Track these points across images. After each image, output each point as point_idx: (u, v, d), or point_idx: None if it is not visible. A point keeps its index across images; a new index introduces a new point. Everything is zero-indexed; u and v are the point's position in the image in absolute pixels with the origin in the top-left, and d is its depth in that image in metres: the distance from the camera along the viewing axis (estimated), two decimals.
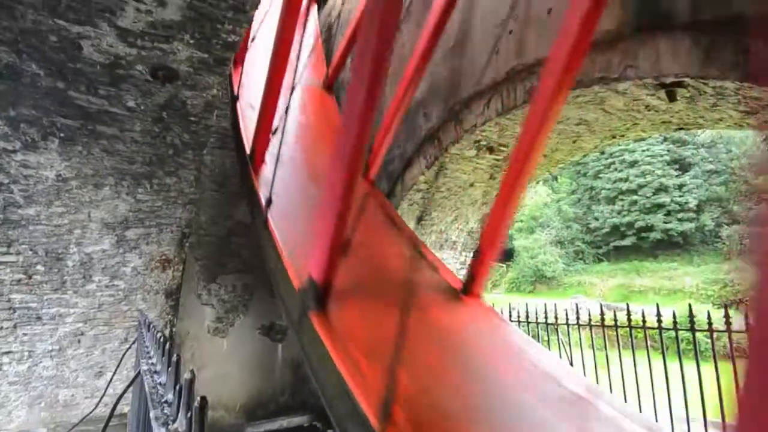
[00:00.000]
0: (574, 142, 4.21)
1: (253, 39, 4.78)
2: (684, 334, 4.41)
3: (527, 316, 5.97)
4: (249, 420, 6.10)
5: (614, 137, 4.15)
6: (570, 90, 3.13)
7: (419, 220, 4.81)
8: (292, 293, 2.43)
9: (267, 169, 3.50)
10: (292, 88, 3.41)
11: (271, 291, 6.50)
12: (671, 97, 2.84)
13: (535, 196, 31.45)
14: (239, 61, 4.76)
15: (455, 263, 5.42)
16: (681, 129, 3.80)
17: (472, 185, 4.70)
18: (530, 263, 27.06)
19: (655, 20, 2.48)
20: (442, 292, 2.71)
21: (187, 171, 4.95)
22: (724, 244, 24.63)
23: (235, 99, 4.34)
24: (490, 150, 4.14)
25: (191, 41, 3.76)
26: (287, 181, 3.44)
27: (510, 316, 6.45)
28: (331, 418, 2.07)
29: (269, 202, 3.05)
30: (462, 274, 5.60)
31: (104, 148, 4.60)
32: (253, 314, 6.56)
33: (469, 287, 2.68)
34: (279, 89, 3.43)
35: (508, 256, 30.02)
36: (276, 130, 3.48)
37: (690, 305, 4.15)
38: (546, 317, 5.53)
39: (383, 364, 1.77)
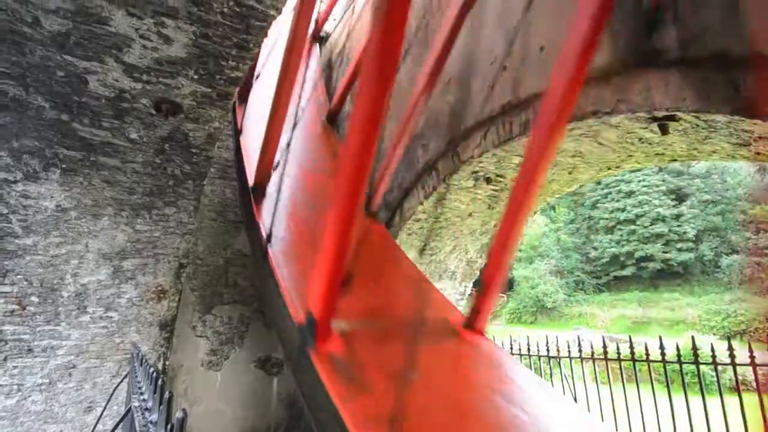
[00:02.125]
0: (570, 173, 4.27)
1: (257, 76, 4.91)
2: (688, 367, 4.33)
3: (528, 349, 5.86)
4: None
5: (609, 168, 4.21)
6: (567, 123, 3.21)
7: (421, 251, 4.81)
8: (291, 329, 2.38)
9: (268, 203, 3.52)
10: (295, 123, 3.46)
11: (268, 323, 6.41)
12: (664, 131, 2.90)
13: (533, 226, 31.51)
14: (244, 97, 4.88)
15: (454, 293, 5.37)
16: (675, 160, 3.86)
17: (470, 215, 4.72)
18: (530, 293, 26.81)
19: (645, 56, 2.57)
20: (444, 329, 2.62)
21: (186, 201, 4.97)
22: (724, 274, 24.53)
23: (238, 133, 4.42)
24: (488, 180, 4.19)
25: (195, 76, 3.86)
26: (288, 216, 3.44)
27: (511, 348, 6.33)
28: None
29: (269, 236, 3.03)
30: (461, 304, 5.54)
31: (105, 179, 4.64)
32: (248, 347, 6.43)
33: (472, 322, 2.60)
34: (282, 124, 3.49)
35: (508, 286, 29.79)
36: (278, 164, 3.52)
37: (693, 337, 4.09)
38: (548, 350, 5.43)
39: (387, 406, 1.73)
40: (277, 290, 2.69)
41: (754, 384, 3.37)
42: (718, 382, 3.71)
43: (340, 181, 2.02)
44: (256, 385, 6.36)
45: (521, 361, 5.64)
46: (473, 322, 2.60)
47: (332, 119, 5.00)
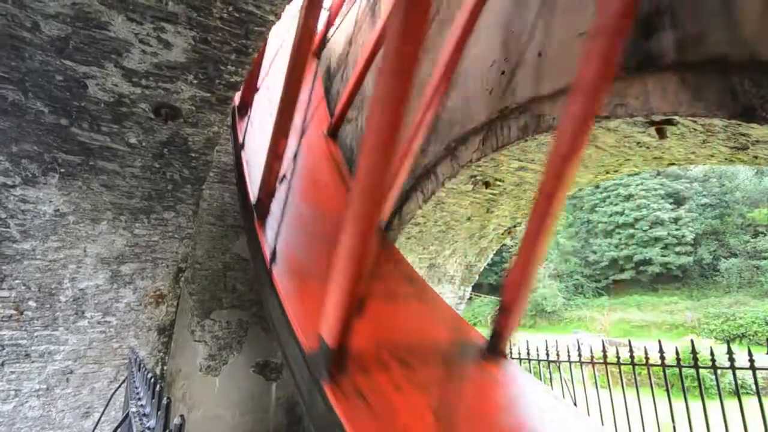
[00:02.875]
0: None
1: (257, 90, 4.87)
2: (688, 371, 4.32)
3: (528, 353, 5.85)
4: None
5: (608, 172, 4.22)
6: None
7: (421, 255, 4.81)
8: (302, 359, 2.18)
9: (272, 220, 3.39)
10: (299, 139, 3.36)
11: (267, 328, 6.39)
12: (661, 135, 2.91)
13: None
14: (244, 112, 4.85)
15: (453, 297, 5.36)
16: (673, 164, 3.87)
17: (469, 219, 4.72)
18: (530, 297, 26.72)
19: (643, 61, 2.58)
20: (467, 354, 2.50)
21: (185, 205, 4.97)
22: (723, 277, 24.55)
23: (239, 148, 4.37)
24: (486, 185, 4.19)
25: (194, 81, 3.87)
26: (293, 234, 3.32)
27: (510, 352, 6.32)
28: None
29: (274, 256, 2.87)
30: (460, 308, 5.53)
31: (104, 183, 4.63)
32: (247, 352, 6.40)
33: (495, 345, 2.46)
34: (286, 139, 3.36)
35: None
36: (283, 179, 3.42)
37: (692, 341, 4.08)
38: (547, 354, 5.42)
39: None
40: (283, 315, 2.49)
41: (753, 387, 3.36)
42: (717, 385, 3.70)
43: (354, 200, 1.84)
44: (254, 390, 6.33)
45: (521, 364, 5.62)
46: (496, 344, 2.48)
47: (335, 131, 4.99)
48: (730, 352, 3.60)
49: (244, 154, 4.22)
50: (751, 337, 18.16)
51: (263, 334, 6.48)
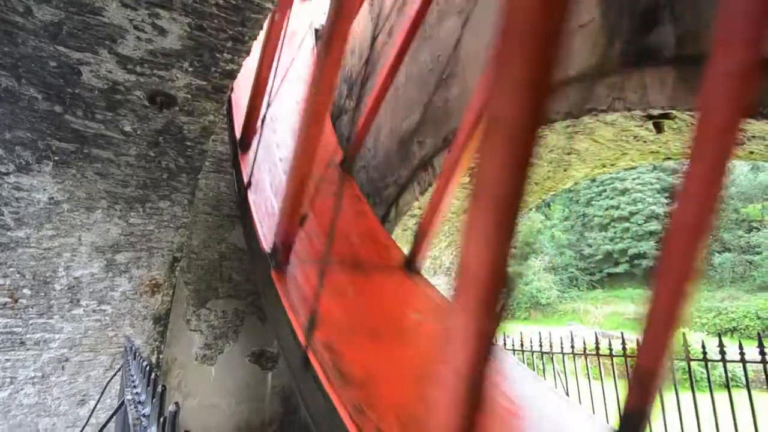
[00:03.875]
0: (565, 170, 4.28)
1: (264, 120, 4.09)
2: (680, 364, 4.38)
3: (522, 344, 5.90)
4: None
5: (604, 166, 4.23)
6: (562, 120, 3.20)
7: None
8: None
9: (298, 275, 2.78)
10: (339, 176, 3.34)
11: (263, 317, 6.41)
12: (659, 129, 2.92)
13: (528, 223, 31.61)
14: (247, 146, 4.12)
15: (449, 288, 5.39)
16: (670, 158, 3.88)
17: (465, 211, 4.73)
18: (525, 290, 26.97)
19: (642, 54, 2.57)
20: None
21: (180, 195, 4.94)
22: (716, 272, 24.78)
23: (246, 188, 3.60)
24: None
25: (190, 69, 3.83)
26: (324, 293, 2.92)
27: (504, 344, 6.38)
28: None
29: (311, 325, 2.11)
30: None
31: (98, 172, 4.60)
32: (243, 341, 6.43)
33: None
34: (304, 186, 2.59)
35: None
36: (303, 220, 2.79)
37: (684, 334, 4.13)
38: (540, 345, 5.48)
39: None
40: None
41: (744, 380, 3.41)
42: (708, 378, 3.76)
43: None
44: (250, 379, 6.36)
45: (514, 355, 5.67)
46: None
47: (350, 165, 4.23)
48: (721, 345, 3.65)
49: (251, 195, 3.53)
50: (743, 331, 18.39)
51: (259, 324, 6.50)
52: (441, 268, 5.20)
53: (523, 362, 5.78)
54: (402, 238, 4.77)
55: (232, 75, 3.89)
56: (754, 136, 2.41)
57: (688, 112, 2.41)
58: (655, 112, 2.66)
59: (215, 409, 5.99)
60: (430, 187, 4.24)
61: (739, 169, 27.23)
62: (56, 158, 4.35)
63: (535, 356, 5.75)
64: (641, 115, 2.84)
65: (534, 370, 5.59)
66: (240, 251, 6.40)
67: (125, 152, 4.54)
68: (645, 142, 3.40)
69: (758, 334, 3.90)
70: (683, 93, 2.33)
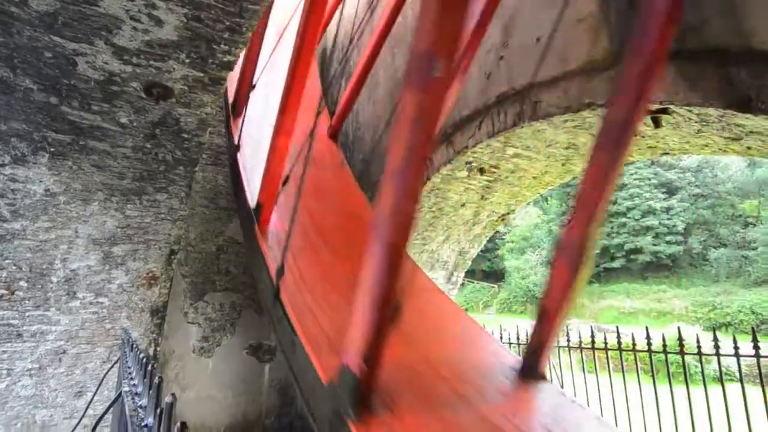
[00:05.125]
0: (563, 165, 4.29)
1: (253, 87, 4.49)
2: (674, 358, 4.41)
3: (518, 338, 5.94)
4: None
5: None
6: (563, 113, 3.18)
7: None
8: (321, 391, 1.87)
9: (276, 229, 3.12)
10: (311, 139, 2.82)
11: (260, 310, 6.42)
12: (657, 124, 2.92)
13: (526, 217, 31.69)
14: (239, 110, 4.52)
15: (446, 283, 5.40)
16: (667, 154, 3.88)
17: (463, 205, 4.73)
18: (521, 284, 27.09)
19: None
20: (503, 378, 2.15)
21: (178, 187, 4.92)
22: (712, 266, 24.92)
23: (236, 149, 3.99)
24: (482, 171, 4.19)
25: (187, 60, 3.79)
26: (300, 243, 2.98)
27: (501, 337, 6.42)
28: None
29: (281, 271, 2.49)
30: (453, 293, 5.58)
31: (94, 164, 4.57)
32: (240, 334, 6.44)
33: (532, 366, 2.11)
34: (288, 139, 3.07)
35: (499, 276, 30.02)
36: (286, 180, 3.13)
37: (679, 328, 4.16)
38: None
39: None
40: (296, 340, 2.18)
41: (737, 374, 3.45)
42: (702, 372, 3.80)
43: (381, 215, 1.57)
44: (247, 371, 6.39)
45: (510, 348, 5.71)
46: (533, 365, 2.11)
47: (335, 133, 4.67)
48: (715, 339, 3.68)
49: (240, 156, 3.88)
50: (737, 326, 18.53)
51: (256, 317, 6.51)
52: (438, 262, 5.21)
53: (519, 354, 5.82)
54: None
55: (229, 66, 3.87)
56: (751, 132, 2.41)
57: (686, 107, 2.41)
58: (654, 106, 2.66)
59: (212, 401, 6.02)
60: (428, 181, 4.24)
61: (736, 165, 27.31)
62: (52, 150, 4.32)
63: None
64: None
65: None
66: (238, 244, 6.39)
67: (122, 144, 4.51)
68: (643, 137, 3.40)
69: (752, 328, 3.92)
70: (682, 88, 2.32)
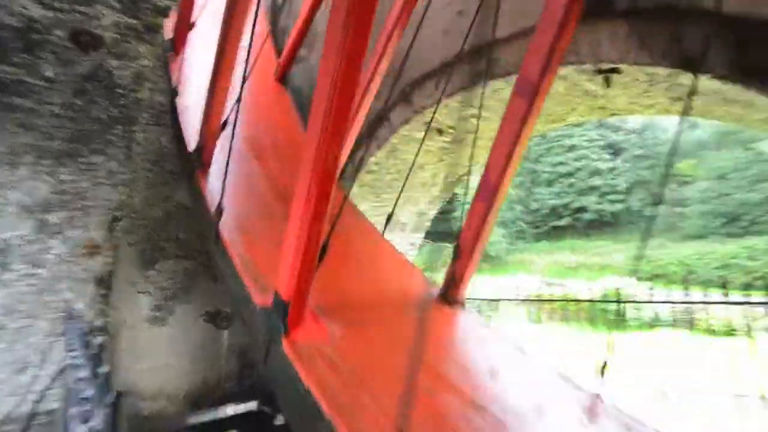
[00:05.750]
0: None
1: (192, 26, 4.22)
2: (612, 306, 4.79)
3: (471, 295, 6.22)
4: (194, 409, 5.91)
5: (555, 122, 4.31)
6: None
7: (373, 202, 4.78)
8: (257, 316, 2.13)
9: (215, 170, 3.14)
10: (244, 79, 2.83)
11: (216, 277, 6.25)
12: (608, 83, 2.98)
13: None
14: (179, 50, 4.26)
15: (405, 244, 5.47)
16: (615, 114, 4.01)
17: (421, 167, 4.71)
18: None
19: (596, 7, 2.56)
20: (421, 302, 2.44)
21: (116, 149, 4.55)
22: (648, 222, 26.89)
23: (174, 91, 3.83)
24: (440, 132, 4.16)
25: (117, 5, 3.41)
26: (240, 185, 3.12)
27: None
28: None
29: (220, 210, 2.66)
30: (411, 254, 5.67)
31: (20, 123, 4.12)
32: (196, 301, 6.28)
33: (450, 293, 2.46)
34: (228, 80, 3.07)
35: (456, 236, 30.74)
36: (225, 124, 3.12)
37: (617, 283, 4.48)
38: (492, 296, 5.80)
39: (371, 395, 1.65)
40: (234, 272, 2.39)
41: (669, 320, 3.80)
42: (637, 319, 4.15)
43: (315, 145, 1.76)
44: (205, 338, 6.29)
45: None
46: (451, 292, 2.42)
47: (282, 75, 4.56)
48: (649, 289, 4.00)
49: (179, 98, 3.78)
50: (669, 277, 20.32)
51: (212, 283, 6.35)
52: (397, 224, 5.23)
53: (476, 310, 6.10)
54: (358, 196, 4.72)
55: (165, 12, 3.52)
56: (694, 92, 2.50)
57: (636, 65, 2.46)
58: (605, 66, 2.70)
59: (170, 369, 5.92)
60: (387, 143, 4.17)
61: (674, 127, 29.05)
62: None
63: (485, 304, 6.07)
64: (592, 69, 2.88)
65: (486, 318, 5.94)
66: (188, 209, 6.10)
67: (48, 101, 4.07)
68: (594, 97, 3.48)
69: (682, 279, 4.29)
70: (633, 47, 2.36)
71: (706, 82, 2.11)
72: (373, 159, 4.43)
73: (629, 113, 3.83)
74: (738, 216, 22.96)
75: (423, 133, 4.20)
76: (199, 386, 6.10)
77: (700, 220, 24.56)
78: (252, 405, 5.97)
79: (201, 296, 6.30)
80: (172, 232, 6.09)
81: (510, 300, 5.40)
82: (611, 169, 29.29)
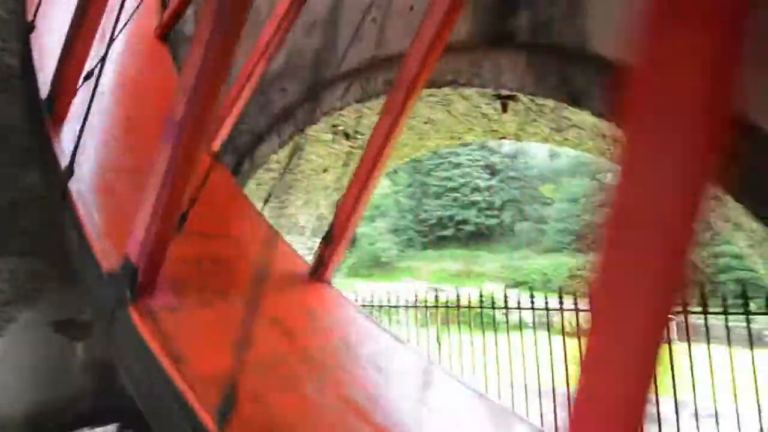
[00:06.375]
0: (420, 138, 4.53)
1: None
2: (488, 312, 5.38)
3: (362, 300, 6.39)
4: None
5: (453, 138, 4.60)
6: (423, 87, 3.32)
7: (269, 202, 4.53)
8: (101, 280, 2.01)
9: (72, 126, 2.78)
10: (113, 30, 2.62)
11: (70, 279, 5.31)
12: (504, 108, 3.26)
13: (378, 187, 33.37)
14: None
15: (302, 248, 5.30)
16: (504, 138, 4.42)
17: (325, 170, 4.63)
18: (369, 249, 28.81)
19: (500, 36, 2.79)
20: (288, 278, 2.63)
21: None
22: (516, 236, 30.60)
23: (30, 28, 3.29)
24: (347, 136, 4.14)
25: None
26: (100, 144, 2.81)
27: (356, 300, 6.77)
28: (155, 427, 1.78)
29: (71, 168, 2.42)
30: (310, 259, 5.52)
31: None
32: (44, 308, 5.25)
33: (318, 272, 2.67)
34: (95, 26, 2.72)
35: (351, 243, 31.19)
36: (89, 75, 2.74)
37: (490, 288, 4.98)
38: (381, 301, 6.05)
39: (220, 360, 1.58)
40: (80, 233, 2.22)
41: (530, 324, 4.38)
42: (507, 323, 4.71)
43: (180, 107, 1.74)
44: (53, 350, 5.29)
45: (364, 309, 6.07)
46: (319, 271, 2.64)
47: (165, 32, 4.10)
48: (515, 296, 4.54)
49: (34, 37, 3.29)
50: (531, 284, 23.23)
51: (65, 287, 5.38)
52: (296, 227, 5.06)
53: (371, 314, 6.23)
54: (255, 194, 4.44)
55: None
56: (573, 125, 2.88)
57: (530, 96, 2.73)
58: (505, 92, 2.96)
59: (6, 388, 4.85)
60: (291, 141, 4.00)
61: (541, 155, 33.58)
62: None
63: (377, 310, 6.25)
64: (492, 94, 3.13)
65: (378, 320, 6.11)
66: (41, 199, 5.09)
67: None
68: (489, 120, 3.79)
69: (543, 286, 4.98)
70: (530, 78, 2.62)
71: (585, 116, 2.43)
72: (274, 157, 4.22)
73: (516, 138, 4.26)
74: (586, 234, 27.32)
75: (329, 135, 4.14)
76: (44, 407, 5.09)
77: (556, 236, 28.60)
78: (111, 429, 5.18)
79: (51, 302, 5.29)
80: (18, 224, 5.03)
81: (397, 307, 5.84)
82: (488, 188, 32.70)
